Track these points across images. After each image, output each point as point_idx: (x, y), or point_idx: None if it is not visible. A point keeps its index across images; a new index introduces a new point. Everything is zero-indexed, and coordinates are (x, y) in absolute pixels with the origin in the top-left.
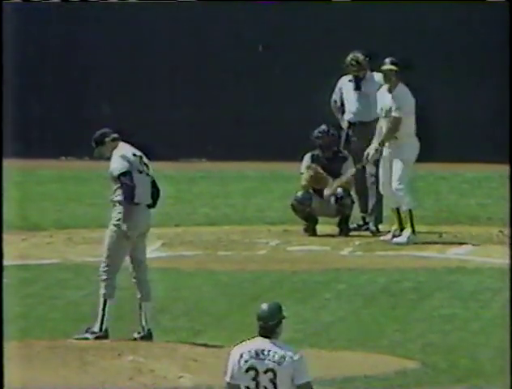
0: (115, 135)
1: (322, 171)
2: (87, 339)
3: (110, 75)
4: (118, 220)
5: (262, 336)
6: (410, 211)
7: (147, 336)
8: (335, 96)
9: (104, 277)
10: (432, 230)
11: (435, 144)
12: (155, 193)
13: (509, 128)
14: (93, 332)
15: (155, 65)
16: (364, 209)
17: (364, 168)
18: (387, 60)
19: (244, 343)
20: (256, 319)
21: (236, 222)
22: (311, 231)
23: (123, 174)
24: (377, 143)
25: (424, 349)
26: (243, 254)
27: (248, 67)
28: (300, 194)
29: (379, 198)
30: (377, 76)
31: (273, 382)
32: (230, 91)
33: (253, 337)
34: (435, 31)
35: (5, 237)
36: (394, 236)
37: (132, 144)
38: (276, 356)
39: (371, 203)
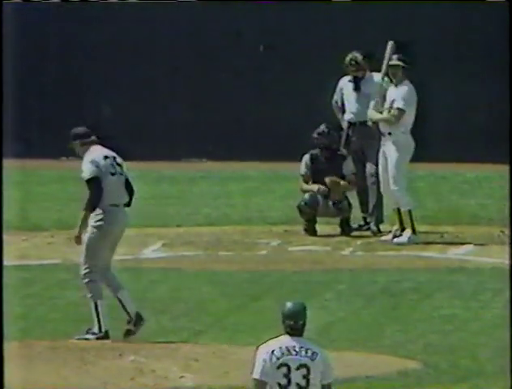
0: (88, 139)
1: (337, 179)
2: (87, 339)
3: (110, 76)
4: (96, 221)
5: (289, 335)
6: (409, 211)
7: (139, 319)
8: (336, 97)
9: (87, 280)
10: (432, 230)
11: (436, 144)
12: (129, 192)
13: (509, 128)
14: (94, 333)
15: (156, 65)
16: (364, 209)
17: (364, 168)
18: (395, 56)
19: (271, 341)
20: (283, 318)
21: (237, 222)
22: (311, 231)
23: (91, 180)
24: (375, 115)
25: (425, 349)
26: (244, 254)
27: (249, 67)
28: (307, 197)
29: (379, 198)
30: (377, 76)
31: (306, 378)
32: (231, 91)
33: (279, 336)
34: (435, 31)
35: (6, 237)
36: (394, 236)
37: (109, 147)
38: (309, 352)
39: (371, 203)
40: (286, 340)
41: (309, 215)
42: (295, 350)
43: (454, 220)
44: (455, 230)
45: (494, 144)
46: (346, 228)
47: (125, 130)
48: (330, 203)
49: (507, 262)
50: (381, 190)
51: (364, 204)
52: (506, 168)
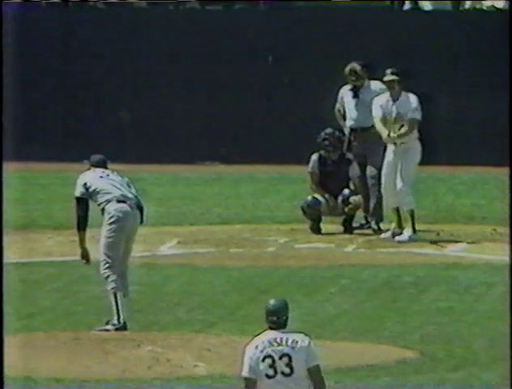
0: (93, 163)
1: (358, 206)
2: (108, 330)
3: (126, 81)
4: (110, 218)
5: (272, 329)
6: (412, 210)
7: (123, 328)
8: (338, 105)
9: (108, 274)
10: (430, 229)
11: (433, 149)
12: (140, 210)
13: (509, 130)
14: (113, 324)
15: (173, 74)
16: (366, 209)
17: (364, 171)
18: (388, 71)
19: (255, 338)
20: (266, 315)
21: (247, 221)
22: (316, 230)
23: (78, 199)
24: (397, 135)
25: (422, 340)
26: (253, 251)
27: (259, 77)
28: (309, 198)
29: (379, 198)
30: (374, 85)
31: (290, 365)
32: (242, 99)
33: (264, 331)
34: (436, 37)
35: (33, 235)
36: (393, 234)
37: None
38: (289, 341)
39: (372, 203)
40: (269, 334)
41: (311, 215)
42: (276, 341)
43: (449, 219)
44: (451, 229)
45: (488, 149)
46: (349, 227)
47: (143, 134)
48: (340, 199)
49: (500, 258)
50: (382, 191)
51: (365, 204)
52: (499, 170)
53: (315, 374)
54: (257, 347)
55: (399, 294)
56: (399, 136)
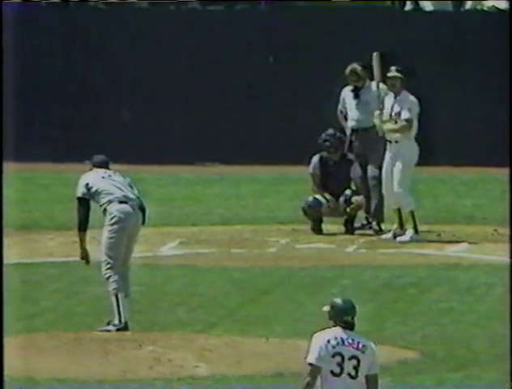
0: (95, 164)
1: (360, 206)
2: (109, 331)
3: (126, 81)
4: (112, 218)
5: (343, 328)
6: (412, 211)
7: (124, 328)
8: (340, 106)
9: (109, 274)
10: (431, 229)
11: (434, 150)
12: (142, 211)
13: (509, 131)
14: (114, 325)
15: (174, 74)
16: (367, 210)
17: (365, 172)
18: (393, 67)
19: (325, 330)
20: (337, 313)
21: (248, 222)
22: (317, 230)
23: (80, 199)
24: (386, 126)
25: (423, 340)
26: (254, 251)
27: (260, 78)
28: (310, 199)
29: (380, 199)
30: (375, 85)
31: (356, 368)
32: (243, 100)
33: (331, 327)
34: (436, 37)
35: (34, 236)
36: (394, 234)
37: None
38: (361, 344)
39: (373, 203)
40: (340, 332)
41: (312, 216)
42: (348, 342)
43: (450, 219)
44: (452, 229)
45: (488, 149)
46: (350, 227)
47: (143, 135)
48: (342, 199)
49: (501, 258)
50: (383, 191)
51: (366, 205)
52: (499, 170)
53: (373, 382)
54: (329, 341)
55: (400, 295)
56: (391, 130)
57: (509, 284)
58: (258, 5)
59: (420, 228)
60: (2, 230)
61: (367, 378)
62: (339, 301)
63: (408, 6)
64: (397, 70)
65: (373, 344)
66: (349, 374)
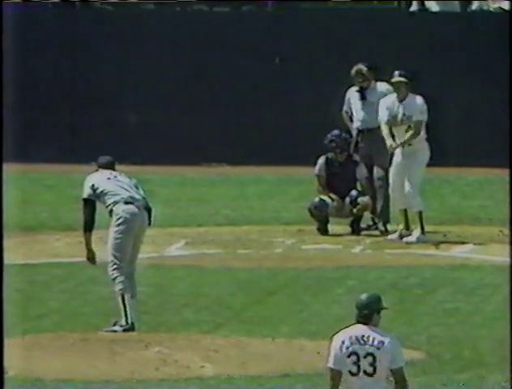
0: (100, 165)
1: (367, 207)
2: (115, 331)
3: (132, 82)
4: (118, 219)
5: (360, 323)
6: (420, 212)
7: (131, 328)
8: (346, 107)
9: (116, 275)
10: (437, 230)
11: (440, 151)
12: (148, 211)
13: (509, 132)
14: (121, 325)
15: (180, 75)
16: (373, 210)
17: (371, 172)
18: (396, 72)
19: (345, 329)
20: (357, 309)
21: (254, 222)
22: (323, 231)
23: (85, 200)
24: (401, 142)
25: (429, 341)
26: (261, 252)
27: (265, 78)
28: (316, 200)
29: (387, 199)
30: (380, 86)
31: (373, 365)
32: (249, 100)
33: (352, 324)
34: (443, 38)
35: (40, 236)
36: (400, 235)
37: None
38: (375, 341)
39: (379, 204)
40: (357, 329)
41: (319, 217)
42: (363, 339)
43: (456, 220)
44: (458, 230)
45: (494, 150)
46: (356, 228)
47: (149, 136)
48: (348, 200)
49: (506, 259)
50: (391, 192)
51: (372, 206)
52: (505, 171)
53: (398, 375)
54: (343, 342)
55: (406, 295)
56: (406, 141)
57: (508, 284)
58: (265, 6)
59: (426, 228)
60: (3, 230)
61: (392, 372)
62: (360, 296)
63: (414, 7)
64: (400, 75)
65: (390, 339)
66: (365, 372)
